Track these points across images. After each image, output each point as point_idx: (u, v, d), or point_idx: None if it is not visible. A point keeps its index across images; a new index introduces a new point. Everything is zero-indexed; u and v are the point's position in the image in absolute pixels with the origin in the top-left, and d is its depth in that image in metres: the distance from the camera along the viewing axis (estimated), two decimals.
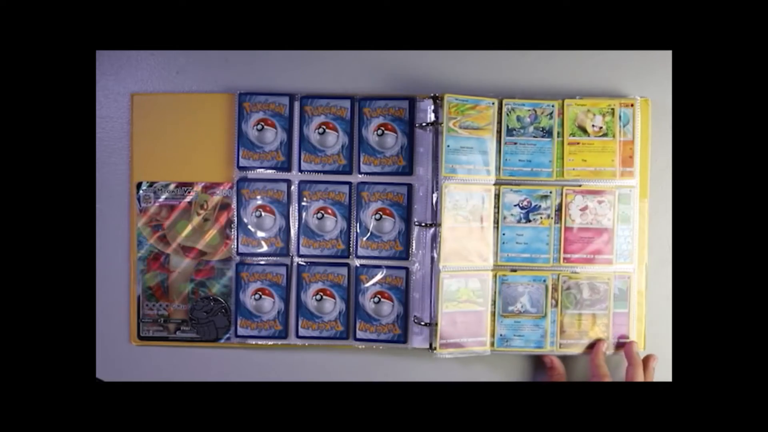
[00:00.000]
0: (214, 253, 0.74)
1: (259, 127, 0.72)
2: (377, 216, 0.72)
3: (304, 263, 0.73)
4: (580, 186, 0.70)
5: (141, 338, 0.74)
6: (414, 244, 0.72)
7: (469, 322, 0.70)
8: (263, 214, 0.72)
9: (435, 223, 0.70)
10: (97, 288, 0.74)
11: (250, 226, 0.73)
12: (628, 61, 0.73)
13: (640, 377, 0.67)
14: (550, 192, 0.70)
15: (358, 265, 0.73)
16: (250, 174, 0.73)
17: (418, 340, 0.72)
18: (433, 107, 0.70)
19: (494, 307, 0.71)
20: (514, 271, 0.71)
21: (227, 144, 0.73)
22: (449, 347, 0.69)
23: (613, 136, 0.70)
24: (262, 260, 0.73)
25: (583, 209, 0.70)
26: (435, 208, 0.70)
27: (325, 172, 0.73)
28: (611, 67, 0.73)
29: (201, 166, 0.73)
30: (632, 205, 0.71)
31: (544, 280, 0.71)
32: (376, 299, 0.72)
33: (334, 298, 0.73)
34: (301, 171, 0.73)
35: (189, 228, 0.74)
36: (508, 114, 0.70)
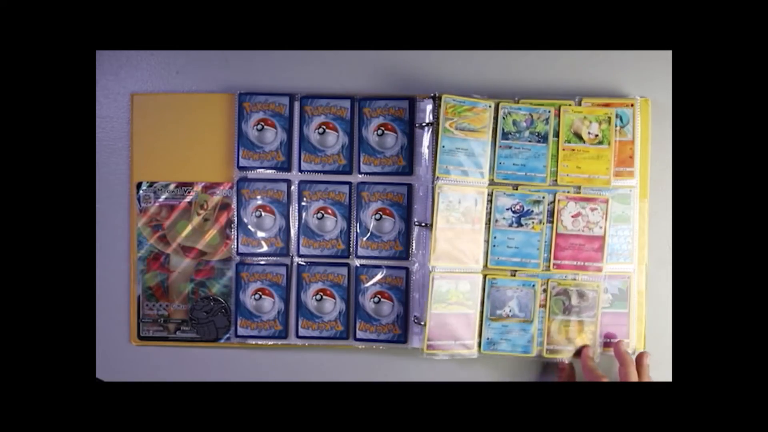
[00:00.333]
0: (214, 253, 0.74)
1: (259, 127, 0.72)
2: (377, 216, 0.72)
3: (304, 263, 0.73)
4: (579, 192, 0.70)
5: (141, 338, 0.74)
6: (414, 244, 0.72)
7: (458, 324, 0.70)
8: (263, 214, 0.72)
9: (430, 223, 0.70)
10: (97, 288, 0.74)
11: (250, 226, 0.73)
12: (628, 61, 0.73)
13: (633, 376, 0.65)
14: (543, 197, 0.70)
15: (358, 265, 0.73)
16: (250, 174, 0.73)
17: (418, 340, 0.72)
18: (432, 107, 0.70)
19: (483, 309, 0.70)
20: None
21: (227, 144, 0.73)
22: (436, 349, 0.69)
23: (609, 144, 0.70)
24: (262, 260, 0.73)
25: (576, 216, 0.70)
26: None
27: (325, 172, 0.73)
28: (611, 67, 0.73)
29: (201, 166, 0.73)
30: (632, 206, 0.71)
31: (533, 285, 0.70)
32: (376, 299, 0.72)
33: (334, 298, 0.73)
34: (301, 171, 0.73)
35: (189, 228, 0.74)
36: (504, 117, 0.70)
